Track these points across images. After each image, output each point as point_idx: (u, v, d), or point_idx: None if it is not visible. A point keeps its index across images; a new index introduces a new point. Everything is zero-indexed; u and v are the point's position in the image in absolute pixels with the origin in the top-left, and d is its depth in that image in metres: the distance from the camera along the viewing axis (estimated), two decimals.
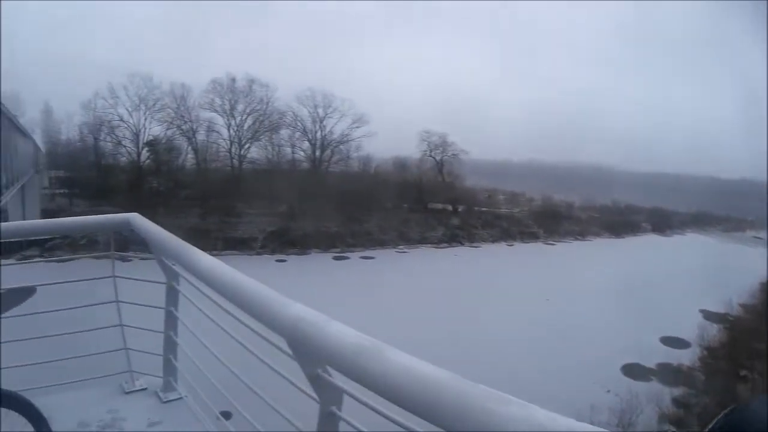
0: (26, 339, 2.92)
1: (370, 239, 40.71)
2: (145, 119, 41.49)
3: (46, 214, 37.61)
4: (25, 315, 3.20)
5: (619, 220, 48.51)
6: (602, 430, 0.82)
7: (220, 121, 41.92)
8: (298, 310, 1.42)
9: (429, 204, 43.15)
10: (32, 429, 1.84)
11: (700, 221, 50.63)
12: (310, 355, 1.39)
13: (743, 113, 38.59)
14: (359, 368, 1.16)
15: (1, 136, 24.09)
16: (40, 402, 1.91)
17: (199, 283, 2.14)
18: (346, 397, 1.41)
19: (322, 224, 40.07)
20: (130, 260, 4.59)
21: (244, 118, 41.89)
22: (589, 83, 48.07)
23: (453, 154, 44.20)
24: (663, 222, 50.11)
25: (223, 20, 48.41)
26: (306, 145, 42.96)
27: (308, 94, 42.22)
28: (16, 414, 1.82)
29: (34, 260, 31.39)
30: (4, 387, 1.89)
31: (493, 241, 43.22)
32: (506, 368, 20.67)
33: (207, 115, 41.88)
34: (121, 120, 41.27)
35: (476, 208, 44.04)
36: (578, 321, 28.31)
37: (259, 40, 45.89)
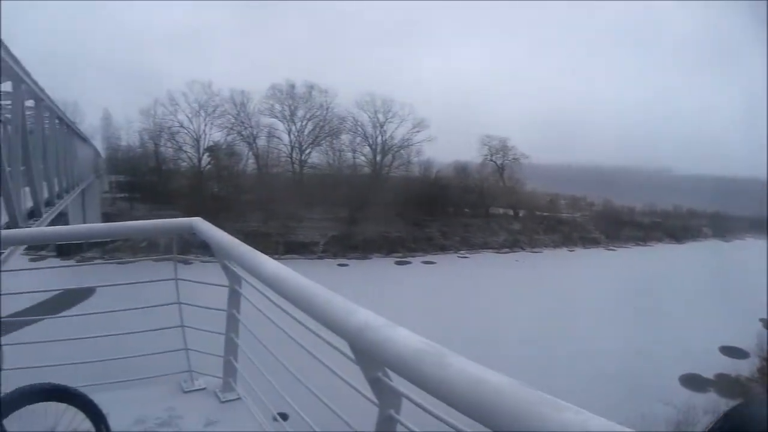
0: (89, 337, 3.05)
1: (431, 244, 40.34)
2: (205, 125, 42.19)
3: (107, 217, 38.38)
4: (89, 314, 3.40)
5: (679, 225, 47.21)
6: None
7: (280, 126, 42.49)
8: (363, 315, 1.43)
9: (490, 209, 42.55)
10: (91, 424, 1.93)
11: (759, 226, 48.93)
12: (372, 359, 1.39)
13: None
14: (420, 372, 1.17)
15: (60, 141, 24.60)
16: (100, 398, 2.01)
17: (262, 286, 2.17)
18: (404, 403, 1.42)
19: (383, 229, 39.83)
20: (191, 263, 4.61)
21: (304, 123, 42.30)
22: (655, 85, 46.99)
23: (514, 158, 43.75)
24: (723, 227, 48.62)
25: (278, 27, 48.81)
26: (367, 149, 43.08)
27: (368, 99, 42.35)
28: (75, 409, 1.91)
29: (94, 262, 32.16)
30: (66, 383, 1.96)
31: (554, 247, 42.40)
32: (563, 375, 20.54)
33: (267, 120, 42.42)
34: (182, 126, 42.04)
35: (537, 213, 43.23)
36: (636, 331, 27.45)
37: (318, 46, 46.08)
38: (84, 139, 36.70)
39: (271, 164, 42.09)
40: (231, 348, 2.90)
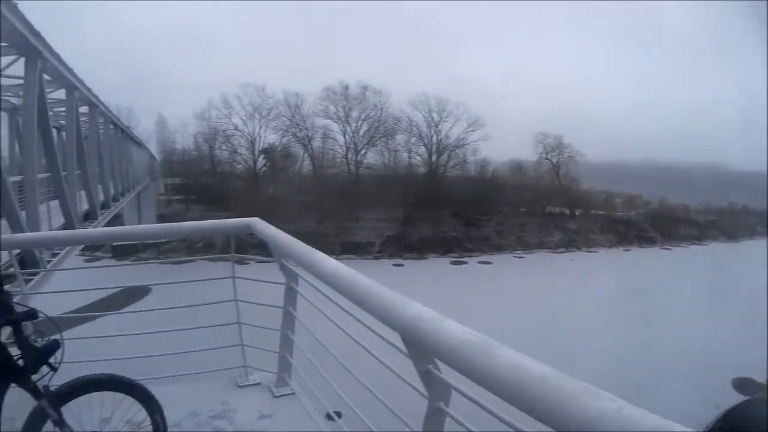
0: (148, 333, 3.13)
1: (487, 244, 40.18)
2: (260, 128, 42.75)
3: (162, 219, 39.10)
4: (149, 311, 3.63)
5: (735, 224, 46.18)
6: (691, 431, 0.82)
7: (335, 127, 42.72)
8: (416, 308, 1.48)
9: (546, 208, 42.26)
10: (146, 414, 2.06)
11: None
12: (424, 350, 1.44)
13: None
14: (469, 363, 1.20)
15: (115, 146, 25.06)
16: (158, 390, 2.12)
17: (318, 283, 2.20)
18: (453, 395, 1.46)
19: (439, 229, 39.89)
20: (247, 263, 4.62)
21: (359, 124, 42.46)
22: (704, 80, 46.02)
23: (569, 156, 43.21)
24: None
25: (331, 30, 49.13)
26: (422, 149, 43.02)
27: (422, 99, 42.24)
28: (132, 399, 2.05)
29: (151, 261, 32.83)
30: (127, 375, 2.09)
31: (610, 246, 41.87)
32: (615, 375, 19.80)
33: (322, 122, 42.76)
34: (236, 129, 42.67)
35: (593, 212, 42.74)
36: (692, 332, 26.81)
37: (371, 46, 46.29)
38: (139, 143, 37.51)
39: (326, 165, 42.47)
40: (286, 344, 2.94)
